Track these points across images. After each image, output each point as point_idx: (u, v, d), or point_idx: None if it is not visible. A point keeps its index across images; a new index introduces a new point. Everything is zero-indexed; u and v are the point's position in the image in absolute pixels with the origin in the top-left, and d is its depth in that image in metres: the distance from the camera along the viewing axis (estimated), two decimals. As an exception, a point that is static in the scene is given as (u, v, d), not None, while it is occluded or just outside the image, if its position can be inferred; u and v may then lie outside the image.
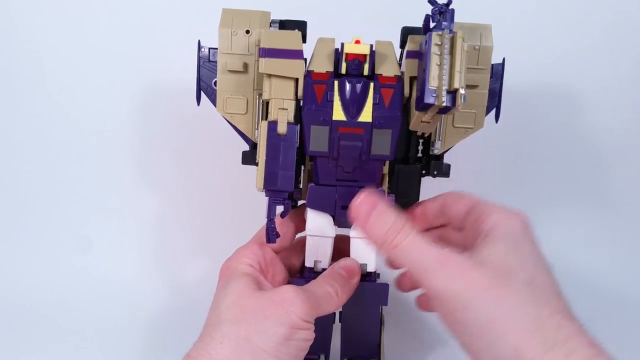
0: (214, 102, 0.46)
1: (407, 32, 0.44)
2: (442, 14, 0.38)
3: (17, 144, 0.71)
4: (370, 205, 0.39)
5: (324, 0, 0.66)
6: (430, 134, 0.45)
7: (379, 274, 0.47)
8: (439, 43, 0.37)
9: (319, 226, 0.45)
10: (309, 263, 0.46)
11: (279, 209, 0.43)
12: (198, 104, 0.46)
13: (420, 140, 0.46)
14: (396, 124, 0.42)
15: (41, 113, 0.70)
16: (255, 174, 0.43)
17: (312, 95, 0.41)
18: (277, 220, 0.44)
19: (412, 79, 0.42)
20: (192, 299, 0.63)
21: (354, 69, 0.41)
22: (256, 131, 0.45)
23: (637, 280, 0.72)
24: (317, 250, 0.46)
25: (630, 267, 0.73)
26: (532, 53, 0.67)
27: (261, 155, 0.42)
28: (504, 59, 0.46)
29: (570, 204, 0.75)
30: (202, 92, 0.46)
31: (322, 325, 0.47)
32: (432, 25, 0.39)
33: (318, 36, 0.44)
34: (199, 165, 0.71)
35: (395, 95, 0.41)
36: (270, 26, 0.44)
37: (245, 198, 0.59)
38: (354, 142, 0.41)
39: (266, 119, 0.43)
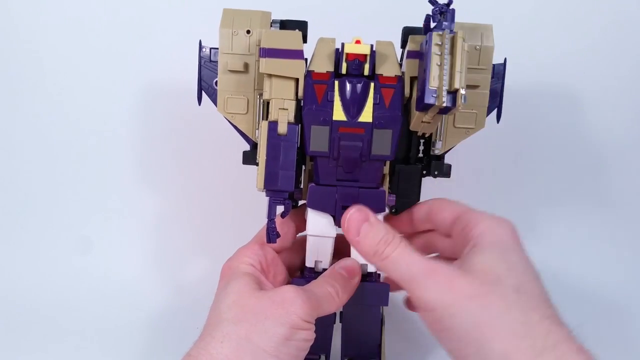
0: (215, 101, 0.46)
1: (407, 32, 0.44)
2: (442, 14, 0.38)
3: (17, 144, 0.71)
4: (360, 220, 0.40)
5: (325, 0, 0.66)
6: (431, 134, 0.45)
7: (379, 275, 0.47)
8: (440, 43, 0.37)
9: (319, 226, 0.45)
10: (309, 263, 0.46)
11: (280, 209, 0.43)
12: (199, 104, 0.46)
13: (421, 141, 0.46)
14: (396, 124, 0.42)
15: (41, 113, 0.70)
16: (255, 174, 0.43)
17: (313, 95, 0.41)
18: (278, 220, 0.44)
19: (412, 79, 0.42)
20: (193, 299, 0.63)
21: (354, 69, 0.41)
22: (257, 131, 0.45)
23: (638, 280, 0.72)
24: (318, 250, 0.46)
25: (630, 268, 0.73)
26: (532, 53, 0.67)
27: (261, 155, 0.42)
28: (505, 59, 0.46)
29: (570, 204, 0.75)
30: (203, 91, 0.46)
31: (323, 325, 0.47)
32: (432, 25, 0.38)
33: (319, 36, 0.44)
34: (200, 165, 0.71)
35: (396, 95, 0.41)
36: (271, 26, 0.44)
37: (246, 198, 0.59)
38: (354, 142, 0.41)
39: (267, 119, 0.43)
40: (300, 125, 0.42)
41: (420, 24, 0.42)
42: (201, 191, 0.72)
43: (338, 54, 0.42)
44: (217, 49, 0.45)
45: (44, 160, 0.71)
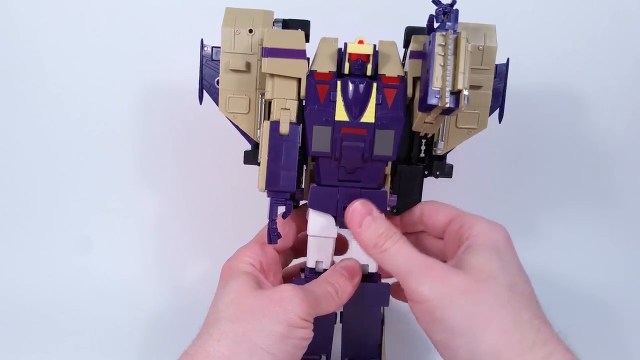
0: (216, 101, 0.45)
1: (411, 31, 0.44)
2: (446, 14, 0.37)
3: (17, 144, 0.71)
4: (364, 212, 0.42)
5: (327, -1, 0.66)
6: (433, 134, 0.45)
7: (380, 275, 0.47)
8: (443, 44, 0.36)
9: (320, 227, 0.45)
10: (310, 263, 0.46)
11: (281, 209, 0.43)
12: (200, 103, 0.46)
13: (423, 141, 0.46)
14: (399, 124, 0.41)
15: (41, 113, 0.70)
16: (256, 174, 0.42)
17: (315, 96, 0.41)
18: (279, 220, 0.44)
19: (415, 79, 0.42)
20: (193, 299, 0.63)
21: (357, 69, 0.41)
22: (258, 131, 0.45)
23: (638, 281, 0.72)
24: (319, 251, 0.46)
25: (631, 268, 0.73)
26: (534, 53, 0.67)
27: (263, 155, 0.42)
28: (508, 59, 0.46)
29: (570, 204, 0.75)
30: (204, 91, 0.46)
31: (323, 325, 0.47)
32: (436, 25, 0.38)
33: (321, 35, 0.43)
34: (200, 165, 0.71)
35: (398, 95, 0.41)
36: (274, 25, 0.44)
37: (246, 198, 0.59)
38: (356, 142, 0.41)
39: (268, 119, 0.43)
40: (302, 125, 0.42)
41: (423, 23, 0.42)
42: (201, 191, 0.72)
43: (341, 54, 0.42)
44: (219, 47, 0.44)
45: (44, 160, 0.71)
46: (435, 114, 0.38)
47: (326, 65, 0.42)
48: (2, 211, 0.72)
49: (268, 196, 0.43)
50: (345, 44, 0.41)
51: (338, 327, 0.50)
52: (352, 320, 0.49)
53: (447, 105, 0.36)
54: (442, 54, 0.36)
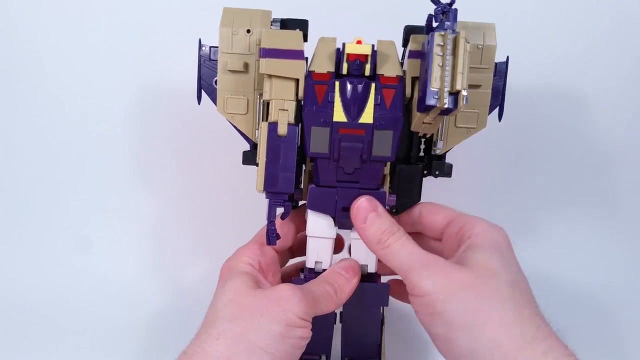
0: (214, 100, 0.45)
1: (409, 30, 0.44)
2: (445, 14, 0.37)
3: (17, 144, 0.71)
4: (369, 209, 0.42)
5: (326, -1, 0.66)
6: (433, 133, 0.45)
7: (380, 275, 0.47)
8: (442, 44, 0.36)
9: (319, 227, 0.45)
10: (309, 264, 0.46)
11: (280, 210, 0.43)
12: (199, 103, 0.46)
13: (422, 140, 0.46)
14: (397, 125, 0.41)
15: (41, 113, 0.70)
16: (255, 174, 0.42)
17: (313, 96, 0.41)
18: (278, 221, 0.44)
19: (414, 79, 0.42)
20: (192, 299, 0.63)
21: (355, 70, 0.41)
22: (257, 132, 0.45)
23: (638, 281, 0.72)
24: (318, 251, 0.46)
25: (631, 269, 0.73)
26: (533, 53, 0.67)
27: (261, 156, 0.42)
28: (507, 57, 0.45)
29: (570, 204, 0.75)
30: (202, 90, 0.46)
31: (323, 325, 0.47)
32: (434, 25, 0.38)
33: (320, 35, 0.43)
34: (199, 166, 0.71)
35: (397, 95, 0.41)
36: (272, 25, 0.44)
37: (246, 198, 0.59)
38: (354, 143, 0.41)
39: (266, 120, 0.43)
40: (300, 125, 0.42)
41: (422, 22, 0.42)
42: (201, 191, 0.72)
43: (339, 54, 0.42)
44: (217, 47, 0.44)
45: (44, 160, 0.71)
46: (434, 114, 0.38)
47: (324, 66, 0.42)
48: (2, 211, 0.72)
49: (267, 198, 0.43)
50: (344, 44, 0.40)
51: (338, 327, 0.50)
52: (351, 321, 0.49)
53: (446, 106, 0.36)
54: (441, 54, 0.36)
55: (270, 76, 0.42)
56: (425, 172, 0.47)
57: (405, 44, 0.45)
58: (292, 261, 0.53)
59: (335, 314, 0.49)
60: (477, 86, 0.44)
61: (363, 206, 0.42)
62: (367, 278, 0.46)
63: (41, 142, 0.71)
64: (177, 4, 0.68)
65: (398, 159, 0.45)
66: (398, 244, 0.41)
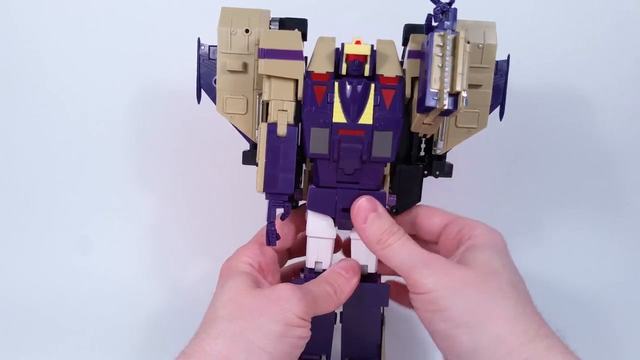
0: (214, 100, 0.45)
1: (409, 29, 0.43)
2: (444, 13, 0.37)
3: (17, 144, 0.71)
4: (369, 209, 0.42)
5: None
6: (433, 133, 0.45)
7: (380, 275, 0.47)
8: (441, 44, 0.36)
9: (319, 228, 0.45)
10: (309, 264, 0.46)
11: (279, 211, 0.43)
12: (198, 102, 0.46)
13: (423, 139, 0.46)
14: (397, 126, 0.41)
15: (41, 113, 0.70)
16: (255, 174, 0.42)
17: (312, 97, 0.41)
18: (278, 222, 0.44)
19: (413, 79, 0.41)
20: (192, 299, 0.63)
21: (354, 70, 0.41)
22: (256, 132, 0.45)
23: (638, 282, 0.72)
24: (318, 252, 0.46)
25: (631, 270, 0.73)
26: (533, 52, 0.67)
27: (261, 157, 0.42)
28: (508, 56, 0.45)
29: (571, 204, 0.75)
30: (202, 90, 0.46)
31: (323, 325, 0.47)
32: (434, 24, 0.38)
33: (319, 34, 0.43)
34: (199, 166, 0.71)
35: (397, 96, 0.41)
36: (270, 24, 0.44)
37: (245, 198, 0.59)
38: (354, 144, 0.41)
39: (266, 120, 0.42)
40: (300, 126, 0.42)
41: (422, 22, 0.42)
42: (201, 191, 0.72)
43: (338, 54, 0.41)
44: (216, 46, 0.44)
45: (44, 160, 0.71)
46: (433, 115, 0.38)
47: (323, 66, 0.41)
48: (2, 211, 0.72)
49: (266, 198, 0.43)
50: (342, 45, 0.40)
51: (338, 328, 0.50)
52: (351, 321, 0.49)
53: (445, 107, 0.35)
54: (440, 54, 0.36)
55: (269, 77, 0.42)
56: (425, 172, 0.47)
57: (405, 43, 0.44)
58: (291, 261, 0.53)
59: (336, 314, 0.49)
60: (477, 86, 0.44)
61: (363, 206, 0.42)
62: (367, 278, 0.46)
63: (41, 142, 0.71)
64: (177, 4, 0.68)
65: (398, 159, 0.45)
66: (399, 243, 0.41)
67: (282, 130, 0.41)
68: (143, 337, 0.60)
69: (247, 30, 0.43)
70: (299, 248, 0.50)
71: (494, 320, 0.37)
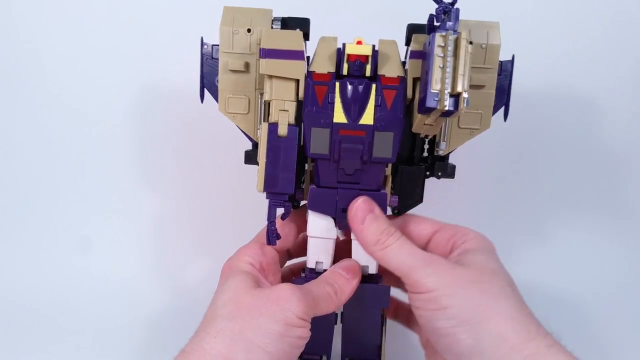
0: (217, 99, 0.45)
1: (412, 29, 0.43)
2: (446, 14, 0.37)
3: (17, 144, 0.71)
4: (366, 210, 0.43)
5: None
6: (435, 134, 0.44)
7: (380, 276, 0.47)
8: (442, 44, 0.36)
9: (320, 228, 0.45)
10: (310, 264, 0.46)
11: (280, 211, 0.43)
12: (202, 102, 0.46)
13: (426, 140, 0.46)
14: (398, 126, 0.41)
15: (41, 113, 0.70)
16: (256, 174, 0.42)
17: (313, 97, 0.41)
18: (278, 221, 0.44)
19: (415, 80, 0.41)
20: (193, 299, 0.63)
21: (355, 70, 0.40)
22: (258, 131, 0.45)
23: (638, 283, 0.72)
24: (319, 252, 0.46)
25: (633, 271, 0.73)
26: (534, 52, 0.67)
27: (261, 157, 0.41)
28: (513, 57, 0.45)
29: (575, 206, 0.75)
30: (205, 89, 0.46)
31: (324, 325, 0.47)
32: (436, 24, 0.38)
33: (321, 34, 0.43)
34: (200, 166, 0.71)
35: (398, 97, 0.41)
36: (273, 24, 0.44)
37: (246, 198, 0.59)
38: (355, 144, 0.41)
39: (267, 120, 0.42)
40: (301, 126, 0.42)
41: (424, 22, 0.42)
42: (201, 191, 0.72)
43: (340, 54, 0.41)
44: (219, 46, 0.44)
45: (44, 160, 0.71)
46: (434, 116, 0.38)
47: (325, 66, 0.41)
48: (2, 211, 0.72)
49: (267, 198, 0.43)
50: (344, 45, 0.40)
51: (338, 328, 0.50)
52: (352, 321, 0.49)
53: (446, 108, 0.35)
54: (442, 55, 0.36)
55: (270, 76, 0.41)
56: (427, 173, 0.47)
57: (408, 43, 0.44)
58: (292, 262, 0.53)
59: (336, 314, 0.49)
60: (480, 86, 0.44)
61: (361, 208, 0.42)
62: (368, 279, 0.46)
63: (41, 142, 0.71)
64: (178, 4, 0.68)
65: (401, 160, 0.45)
66: (397, 244, 0.41)
67: (283, 130, 0.41)
68: (143, 337, 0.60)
69: (249, 30, 0.43)
70: (299, 249, 0.50)
71: (496, 319, 0.37)
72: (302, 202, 0.48)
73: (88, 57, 0.69)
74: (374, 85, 0.41)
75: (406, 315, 0.52)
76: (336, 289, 0.43)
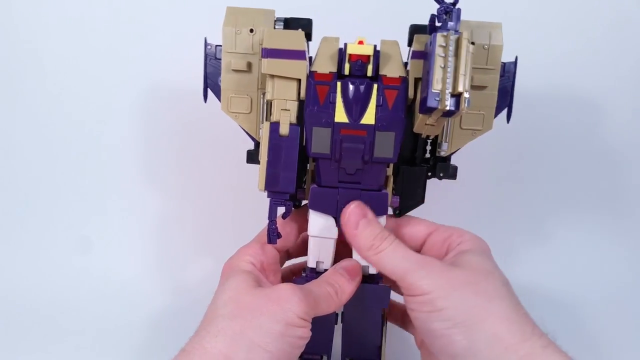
0: (220, 99, 0.45)
1: (414, 30, 0.43)
2: (448, 14, 0.37)
3: (17, 144, 0.71)
4: (359, 215, 0.43)
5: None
6: (437, 135, 0.45)
7: (381, 277, 0.47)
8: (444, 44, 0.36)
9: (321, 227, 0.45)
10: (311, 264, 0.46)
11: (281, 210, 0.43)
12: (205, 101, 0.46)
13: (429, 141, 0.46)
14: (399, 126, 0.41)
15: (41, 113, 0.70)
16: (257, 174, 0.42)
17: (315, 97, 0.41)
18: (279, 220, 0.44)
19: (417, 80, 0.41)
20: (193, 299, 0.63)
21: (357, 70, 0.41)
22: (260, 131, 0.45)
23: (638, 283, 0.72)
24: (319, 251, 0.46)
25: (634, 272, 0.73)
26: (535, 52, 0.67)
27: (263, 156, 0.42)
28: (516, 57, 0.45)
29: (576, 206, 0.75)
30: (208, 89, 0.46)
31: (324, 325, 0.47)
32: (437, 25, 0.38)
33: (324, 34, 0.43)
34: (200, 165, 0.71)
35: (399, 97, 0.41)
36: (275, 24, 0.44)
37: (247, 198, 0.59)
38: (356, 144, 0.41)
39: (269, 119, 0.42)
40: (302, 125, 0.42)
41: (426, 22, 0.42)
42: (202, 191, 0.72)
43: (341, 54, 0.41)
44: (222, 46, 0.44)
45: (44, 160, 0.71)
46: (436, 116, 0.38)
47: (326, 66, 0.41)
48: (2, 211, 0.72)
49: (268, 197, 0.43)
50: (345, 45, 0.40)
51: (338, 328, 0.50)
52: (352, 321, 0.49)
53: (447, 108, 0.35)
54: (443, 55, 0.36)
55: (272, 76, 0.42)
56: (429, 173, 0.47)
57: (410, 44, 0.44)
58: (292, 262, 0.53)
59: (337, 314, 0.49)
60: (482, 87, 0.44)
61: (354, 213, 0.42)
62: (368, 279, 0.46)
63: (41, 142, 0.71)
64: (179, 4, 0.68)
65: (403, 160, 0.45)
66: (391, 248, 0.41)
67: (284, 130, 0.41)
68: (143, 337, 0.60)
69: (251, 30, 0.43)
70: (298, 249, 0.50)
71: (491, 320, 0.37)
72: (304, 202, 0.49)
73: (88, 57, 0.69)
74: (375, 85, 0.41)
75: (401, 316, 0.51)
76: (337, 289, 0.43)
